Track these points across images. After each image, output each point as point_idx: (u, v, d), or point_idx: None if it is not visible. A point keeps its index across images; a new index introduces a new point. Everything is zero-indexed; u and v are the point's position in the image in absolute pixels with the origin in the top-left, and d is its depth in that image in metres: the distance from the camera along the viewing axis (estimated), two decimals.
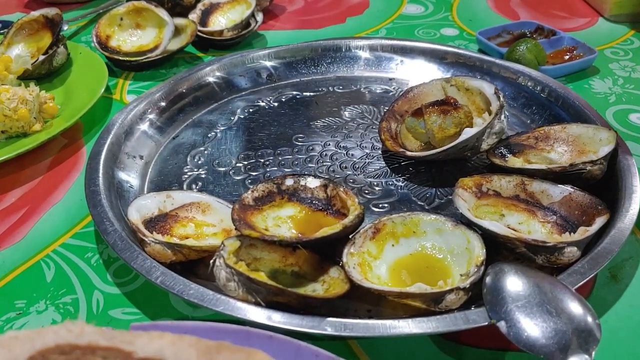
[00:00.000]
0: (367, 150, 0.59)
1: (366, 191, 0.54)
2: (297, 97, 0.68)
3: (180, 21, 0.78)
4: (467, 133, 0.53)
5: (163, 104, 0.63)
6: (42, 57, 0.70)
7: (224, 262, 0.40)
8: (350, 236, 0.45)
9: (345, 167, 0.57)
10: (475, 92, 0.58)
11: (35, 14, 0.75)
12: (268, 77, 0.70)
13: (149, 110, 0.62)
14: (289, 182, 0.51)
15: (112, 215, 0.47)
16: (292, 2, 0.96)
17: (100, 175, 0.52)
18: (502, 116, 0.53)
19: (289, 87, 0.69)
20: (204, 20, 0.82)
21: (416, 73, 0.70)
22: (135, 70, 0.76)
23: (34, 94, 0.61)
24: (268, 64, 0.70)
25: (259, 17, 0.82)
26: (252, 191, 0.49)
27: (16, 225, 0.52)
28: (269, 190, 0.50)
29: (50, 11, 0.74)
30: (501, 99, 0.54)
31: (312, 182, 0.51)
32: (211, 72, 0.68)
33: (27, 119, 0.60)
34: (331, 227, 0.44)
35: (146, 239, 0.44)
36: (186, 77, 0.66)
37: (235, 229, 0.44)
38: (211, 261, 0.41)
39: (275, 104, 0.67)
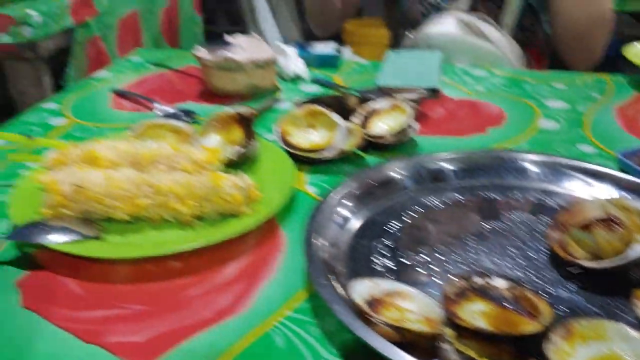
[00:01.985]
0: (534, 256, 0.66)
1: (542, 295, 0.61)
2: (464, 200, 0.76)
3: (348, 125, 0.89)
4: (637, 250, 0.59)
5: (354, 194, 0.74)
6: (241, 149, 0.81)
7: (454, 347, 0.48)
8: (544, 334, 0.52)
9: (517, 270, 0.64)
10: (634, 212, 0.65)
11: (231, 111, 0.88)
12: (436, 178, 0.79)
13: (341, 201, 0.72)
14: (478, 280, 0.58)
15: (337, 296, 0.56)
16: (432, 109, 1.07)
17: (314, 257, 0.61)
18: None
19: (458, 190, 0.78)
20: (364, 123, 0.94)
21: (577, 189, 0.77)
22: (310, 165, 0.87)
23: (245, 182, 0.72)
24: (446, 166, 0.80)
25: (415, 125, 0.92)
26: (449, 285, 0.57)
27: (238, 297, 0.61)
28: (461, 285, 0.58)
29: (246, 110, 0.87)
30: None
31: (499, 282, 0.58)
32: (394, 168, 0.78)
33: (240, 204, 0.71)
34: (532, 324, 0.51)
35: (374, 320, 0.52)
36: (374, 171, 0.77)
37: (447, 319, 0.52)
38: (436, 345, 0.48)
39: (446, 203, 0.75)
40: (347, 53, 1.75)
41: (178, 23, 3.07)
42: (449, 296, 0.57)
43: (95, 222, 0.70)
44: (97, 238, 0.67)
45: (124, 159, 0.76)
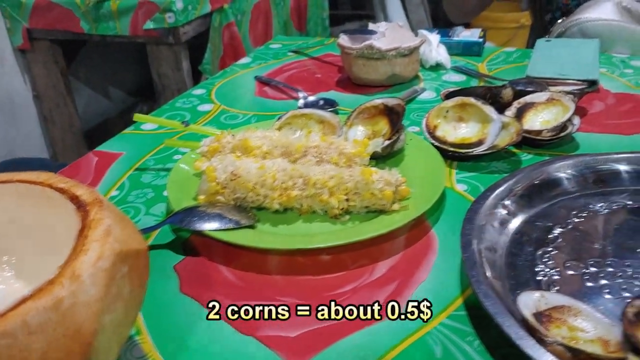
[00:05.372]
0: None
1: None
2: (637, 206, 0.69)
3: (503, 119, 0.84)
4: None
5: (513, 194, 0.69)
6: (387, 142, 0.79)
7: None
8: None
9: None
10: None
11: (378, 101, 0.85)
12: (602, 181, 0.72)
13: (500, 202, 0.67)
14: None
15: (503, 308, 0.52)
16: (590, 103, 0.99)
17: (475, 264, 0.58)
18: None
19: (630, 195, 0.71)
20: (518, 117, 0.88)
21: None
22: (458, 161, 0.82)
23: (395, 178, 0.70)
24: (616, 168, 0.73)
25: (576, 120, 0.85)
26: (630, 306, 0.52)
27: (391, 298, 0.59)
28: None
29: (392, 101, 0.84)
30: None
31: None
32: (562, 169, 0.72)
33: (390, 200, 0.69)
34: None
35: (547, 339, 0.48)
36: (534, 170, 0.71)
37: (629, 342, 0.47)
38: None
39: (616, 209, 0.69)
40: None
41: (306, 8, 3.10)
42: (628, 317, 0.51)
43: (249, 210, 0.71)
44: (252, 227, 0.68)
45: (275, 149, 0.76)
